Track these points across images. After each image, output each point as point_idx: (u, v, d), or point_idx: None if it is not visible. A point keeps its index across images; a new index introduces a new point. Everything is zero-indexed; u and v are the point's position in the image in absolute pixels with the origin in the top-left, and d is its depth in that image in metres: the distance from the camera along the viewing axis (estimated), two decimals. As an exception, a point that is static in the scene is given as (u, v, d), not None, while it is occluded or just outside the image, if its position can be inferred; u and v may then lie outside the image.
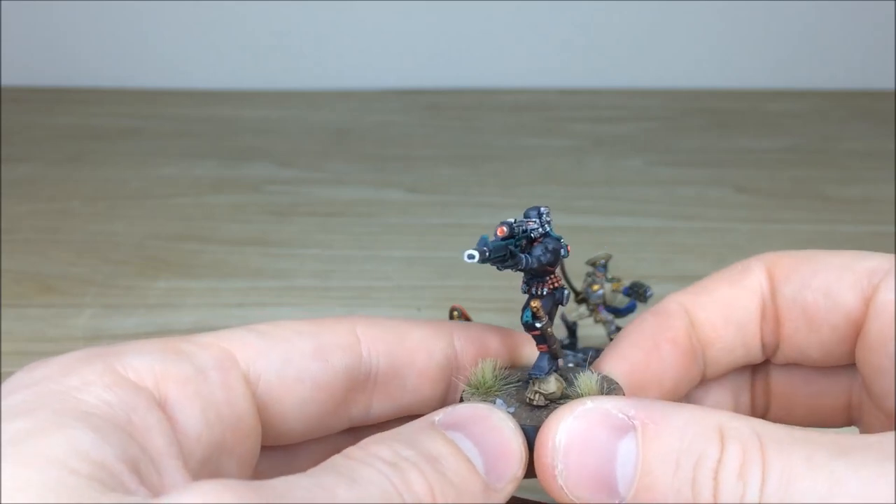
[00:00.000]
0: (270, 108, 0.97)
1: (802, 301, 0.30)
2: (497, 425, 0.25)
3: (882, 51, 1.02)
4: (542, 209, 0.27)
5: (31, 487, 0.19)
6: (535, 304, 0.27)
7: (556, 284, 0.28)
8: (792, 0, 1.00)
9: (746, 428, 0.23)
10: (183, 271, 0.62)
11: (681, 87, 1.03)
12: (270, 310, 0.57)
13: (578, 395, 0.27)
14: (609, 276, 0.49)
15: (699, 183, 0.78)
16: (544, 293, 0.27)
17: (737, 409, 0.33)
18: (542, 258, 0.26)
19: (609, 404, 0.24)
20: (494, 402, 0.27)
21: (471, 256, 0.24)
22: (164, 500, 0.19)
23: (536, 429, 0.25)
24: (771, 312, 0.31)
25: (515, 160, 0.84)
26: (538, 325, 0.27)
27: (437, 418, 0.25)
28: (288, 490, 0.20)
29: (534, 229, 0.27)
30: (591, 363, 0.30)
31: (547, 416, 0.25)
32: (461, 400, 0.28)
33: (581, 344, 0.52)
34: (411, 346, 0.29)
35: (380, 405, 0.29)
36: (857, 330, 0.30)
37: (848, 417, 0.33)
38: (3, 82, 1.01)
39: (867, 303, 0.29)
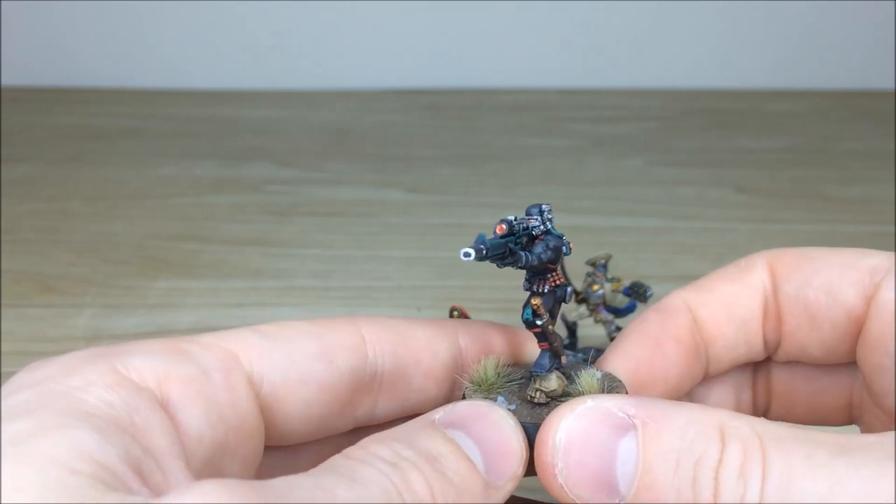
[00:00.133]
0: (270, 108, 0.97)
1: (804, 298, 0.30)
2: (497, 423, 0.25)
3: (882, 51, 1.02)
4: (544, 206, 0.27)
5: (31, 487, 0.19)
6: (535, 301, 0.27)
7: (557, 282, 0.28)
8: (792, 0, 1.00)
9: (747, 427, 0.23)
10: (183, 271, 0.62)
11: (681, 87, 1.03)
12: (270, 310, 0.57)
13: (580, 393, 0.27)
14: (609, 276, 0.49)
15: (699, 183, 0.78)
16: (545, 290, 0.27)
17: (738, 407, 0.33)
18: (543, 256, 0.26)
19: (610, 403, 0.24)
20: (496, 400, 0.27)
21: (467, 254, 0.24)
22: (165, 499, 0.19)
23: (537, 426, 0.25)
24: (773, 310, 0.31)
25: (515, 160, 0.84)
26: (539, 322, 0.27)
27: (436, 416, 0.25)
28: (289, 490, 0.20)
29: (535, 227, 0.27)
30: (592, 362, 0.30)
31: (548, 413, 0.25)
32: (463, 397, 0.28)
33: (581, 344, 0.52)
34: (416, 346, 0.29)
35: (385, 405, 0.29)
36: (858, 328, 0.30)
37: (849, 416, 0.33)
38: (3, 82, 1.01)
39: (868, 301, 0.29)
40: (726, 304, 0.31)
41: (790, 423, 0.23)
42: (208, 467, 0.24)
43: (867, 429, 0.32)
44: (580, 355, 0.50)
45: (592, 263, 0.49)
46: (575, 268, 0.47)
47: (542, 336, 0.28)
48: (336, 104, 0.99)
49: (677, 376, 0.30)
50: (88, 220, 0.70)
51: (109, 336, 0.54)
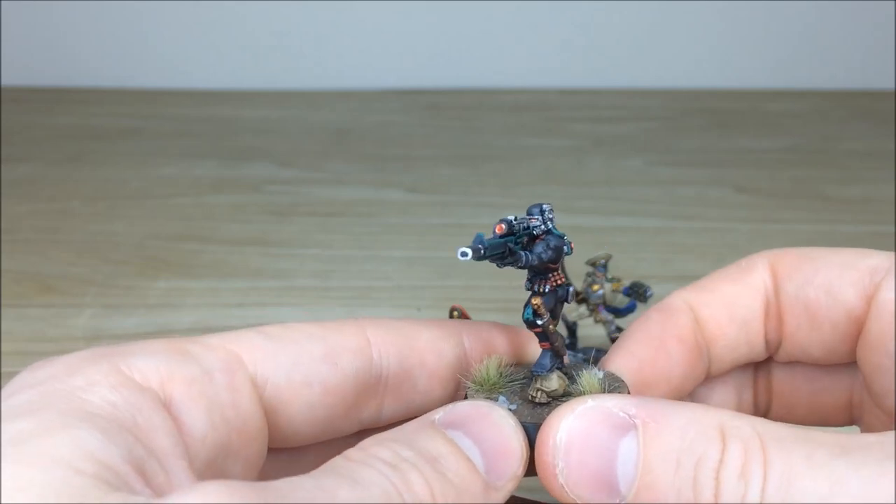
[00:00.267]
0: (270, 108, 0.97)
1: (804, 298, 0.30)
2: (497, 423, 0.25)
3: (882, 51, 1.02)
4: (545, 206, 0.27)
5: (34, 487, 0.19)
6: (535, 301, 0.27)
7: (558, 282, 0.27)
8: (792, 0, 1.00)
9: (748, 427, 0.23)
10: (183, 271, 0.62)
11: (681, 87, 1.03)
12: (270, 310, 0.57)
13: (581, 393, 0.27)
14: (609, 276, 0.49)
15: (699, 183, 0.78)
16: (546, 290, 0.27)
17: (739, 407, 0.33)
18: (544, 255, 0.26)
19: (610, 402, 0.24)
20: (497, 400, 0.27)
21: (464, 254, 0.24)
22: (167, 500, 0.19)
23: (537, 426, 0.25)
24: (774, 309, 0.31)
25: (515, 160, 0.84)
26: (539, 322, 0.27)
27: (436, 417, 0.25)
28: (290, 491, 0.20)
29: (536, 226, 0.27)
30: (594, 361, 0.30)
31: (548, 413, 0.25)
32: (465, 397, 0.28)
33: (581, 344, 0.52)
34: (421, 348, 0.29)
35: (390, 407, 0.29)
36: (858, 328, 0.30)
37: (849, 416, 0.33)
38: (3, 82, 1.01)
39: (868, 301, 0.29)
40: (728, 304, 0.31)
41: (791, 424, 0.23)
42: (211, 468, 0.24)
43: (867, 429, 0.32)
44: (580, 355, 0.50)
45: (592, 263, 0.49)
46: (575, 268, 0.47)
47: (543, 336, 0.28)
48: (336, 104, 0.99)
49: (680, 376, 0.30)
50: (88, 220, 0.70)
51: (109, 336, 0.54)
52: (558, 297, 0.28)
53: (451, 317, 0.44)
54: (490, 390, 0.28)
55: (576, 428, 0.24)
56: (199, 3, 1.00)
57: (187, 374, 0.24)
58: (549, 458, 0.24)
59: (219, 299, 0.59)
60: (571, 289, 0.28)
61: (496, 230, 0.26)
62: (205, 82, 1.02)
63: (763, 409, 0.34)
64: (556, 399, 0.27)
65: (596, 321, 0.49)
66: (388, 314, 0.56)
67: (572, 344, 0.51)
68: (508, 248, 0.26)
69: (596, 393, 0.27)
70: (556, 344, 0.28)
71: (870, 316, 0.29)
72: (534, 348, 0.30)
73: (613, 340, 0.49)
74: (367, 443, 0.23)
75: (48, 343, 0.54)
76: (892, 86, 1.02)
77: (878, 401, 0.30)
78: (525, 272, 0.27)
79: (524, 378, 0.28)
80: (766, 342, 0.32)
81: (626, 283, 0.48)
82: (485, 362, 0.28)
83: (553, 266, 0.27)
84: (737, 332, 0.31)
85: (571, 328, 0.51)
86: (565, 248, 0.27)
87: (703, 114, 0.97)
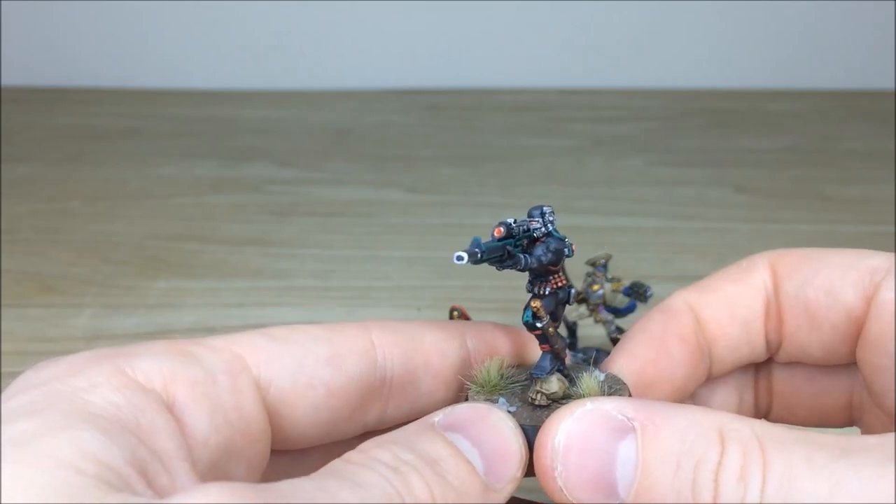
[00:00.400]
0: (270, 108, 0.97)
1: (804, 298, 0.30)
2: (496, 425, 0.25)
3: (882, 51, 1.02)
4: (546, 208, 0.27)
5: (35, 487, 0.19)
6: (535, 303, 0.27)
7: (559, 284, 0.27)
8: (792, 0, 1.00)
9: (747, 429, 0.23)
10: (183, 271, 0.62)
11: (681, 87, 1.03)
12: (270, 310, 0.57)
13: (581, 396, 0.27)
14: (609, 276, 0.49)
15: (699, 183, 0.78)
16: (546, 293, 0.27)
17: (741, 408, 0.33)
18: (543, 258, 0.26)
19: (609, 405, 0.24)
20: (497, 401, 0.27)
21: (459, 258, 0.24)
22: (168, 500, 0.19)
23: (536, 428, 0.25)
24: (775, 310, 0.31)
25: (515, 160, 0.84)
26: (539, 324, 0.27)
27: (436, 419, 0.25)
28: (291, 493, 0.20)
29: (536, 229, 0.27)
30: (595, 362, 0.30)
31: (547, 416, 0.25)
32: (466, 398, 0.28)
33: (581, 344, 0.52)
34: (426, 350, 0.29)
35: (395, 409, 0.29)
36: (858, 328, 0.30)
37: (849, 417, 0.33)
38: (3, 82, 1.01)
39: (868, 301, 0.29)
40: (729, 304, 0.31)
41: (790, 425, 0.23)
42: (214, 470, 0.24)
43: (867, 429, 0.32)
44: (580, 355, 0.50)
45: (592, 263, 0.49)
46: (575, 268, 0.47)
47: (543, 338, 0.28)
48: (336, 104, 0.99)
49: (683, 377, 0.30)
50: (88, 220, 0.70)
51: (109, 336, 0.54)
52: (559, 300, 0.28)
53: (451, 317, 0.44)
54: (491, 392, 0.28)
55: (574, 431, 0.24)
56: (199, 3, 1.00)
57: (191, 375, 0.24)
58: (547, 462, 0.24)
59: (219, 299, 0.59)
60: (573, 291, 0.28)
61: (494, 233, 0.26)
62: (205, 82, 1.02)
63: (764, 411, 0.34)
64: (556, 401, 0.27)
65: (596, 321, 0.49)
66: (388, 314, 0.56)
67: (572, 344, 0.51)
68: (507, 251, 0.26)
69: (595, 395, 0.27)
70: (557, 346, 0.28)
71: (869, 316, 0.29)
72: (536, 350, 0.30)
73: (613, 340, 0.49)
74: (367, 445, 0.23)
75: (48, 343, 0.54)
76: (892, 86, 1.02)
77: (878, 401, 0.30)
78: (527, 274, 0.27)
79: (526, 380, 0.28)
80: (767, 342, 0.32)
81: (626, 283, 0.48)
82: (486, 364, 0.28)
83: (553, 268, 0.27)
84: (738, 333, 0.31)
85: (571, 328, 0.51)
86: (566, 250, 0.27)
87: (703, 114, 0.97)
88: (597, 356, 0.48)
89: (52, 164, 0.82)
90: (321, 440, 0.28)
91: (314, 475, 0.21)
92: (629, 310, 0.48)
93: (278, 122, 0.94)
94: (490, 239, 0.25)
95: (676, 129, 0.93)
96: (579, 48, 1.03)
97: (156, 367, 0.24)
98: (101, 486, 0.19)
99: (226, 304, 0.58)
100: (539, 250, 0.26)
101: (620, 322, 0.49)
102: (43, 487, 0.19)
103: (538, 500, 0.30)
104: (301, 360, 0.27)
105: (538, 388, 0.27)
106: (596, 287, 0.48)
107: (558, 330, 0.28)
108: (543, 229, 0.27)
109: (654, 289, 0.48)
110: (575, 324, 0.51)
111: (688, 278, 0.33)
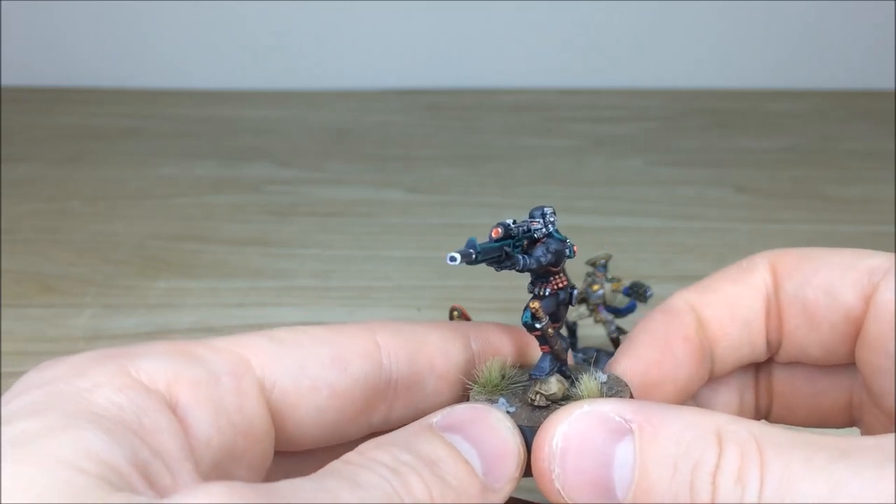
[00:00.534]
0: (270, 108, 0.97)
1: (803, 298, 0.30)
2: (494, 426, 0.25)
3: (882, 51, 1.02)
4: (546, 209, 0.27)
5: (37, 487, 0.19)
6: (534, 304, 0.27)
7: (560, 285, 0.27)
8: (792, 0, 1.00)
9: (744, 431, 0.22)
10: (183, 271, 0.62)
11: (681, 87, 1.03)
12: (270, 310, 0.57)
13: (580, 397, 0.27)
14: (609, 276, 0.49)
15: (699, 183, 0.78)
16: (546, 294, 0.27)
17: (741, 408, 0.33)
18: (543, 259, 0.26)
19: (606, 407, 0.24)
20: (497, 402, 0.27)
21: (452, 259, 0.24)
22: (168, 500, 0.19)
23: (533, 429, 0.25)
24: (775, 310, 0.31)
25: (515, 160, 0.84)
26: (538, 325, 0.27)
27: (434, 420, 0.25)
28: (291, 493, 0.20)
29: (537, 229, 0.26)
30: (596, 362, 0.30)
31: (546, 417, 0.25)
32: (467, 398, 0.28)
33: (581, 344, 0.52)
34: (430, 351, 0.29)
35: (399, 410, 0.29)
36: (857, 328, 0.30)
37: (849, 417, 0.33)
38: (3, 82, 1.01)
39: (867, 301, 0.29)
40: (729, 304, 0.31)
41: (789, 427, 0.23)
42: (216, 471, 0.24)
43: (867, 430, 0.32)
44: (580, 355, 0.50)
45: (592, 263, 0.49)
46: (575, 268, 0.47)
47: (543, 339, 0.28)
48: (336, 104, 0.99)
49: (686, 377, 0.30)
50: (88, 220, 0.70)
51: (109, 336, 0.54)
52: (560, 301, 0.28)
53: (451, 317, 0.45)
54: (492, 392, 0.28)
55: (571, 433, 0.24)
56: (199, 3, 1.00)
57: (194, 376, 0.24)
58: (544, 464, 0.24)
59: (219, 299, 0.59)
60: (575, 292, 0.28)
61: (492, 234, 0.25)
62: (205, 82, 1.02)
63: (764, 411, 0.34)
64: (556, 402, 0.27)
65: (596, 321, 0.49)
66: (388, 314, 0.56)
67: (572, 344, 0.51)
68: (505, 251, 0.25)
69: (595, 397, 0.27)
70: (556, 347, 0.28)
71: (868, 316, 0.29)
72: (539, 350, 0.30)
73: (613, 340, 0.49)
74: (366, 447, 0.23)
75: (48, 343, 0.54)
76: (892, 86, 1.02)
77: (878, 401, 0.30)
78: (528, 274, 0.27)
79: (527, 380, 0.28)
80: (768, 342, 0.32)
81: (626, 283, 0.48)
82: (488, 364, 0.28)
83: (554, 269, 0.27)
84: (739, 332, 0.31)
85: (571, 328, 0.51)
86: (567, 251, 0.27)
87: (703, 114, 0.97)
88: (597, 356, 0.48)
89: (52, 164, 0.82)
90: (326, 442, 0.28)
91: (313, 475, 0.22)
92: (629, 310, 0.48)
93: (278, 122, 0.94)
94: (488, 240, 0.25)
95: (676, 129, 0.93)
96: (579, 48, 1.03)
97: (159, 367, 0.24)
98: (103, 485, 0.19)
99: (226, 304, 0.58)
100: (538, 251, 0.26)
101: (620, 322, 0.49)
102: (44, 487, 0.19)
103: (537, 501, 0.30)
104: (305, 362, 0.27)
105: (537, 388, 0.27)
106: (596, 287, 0.48)
107: (560, 331, 0.28)
108: (544, 230, 0.27)
109: (654, 289, 0.48)
110: (575, 324, 0.51)
111: (688, 278, 0.33)
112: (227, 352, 0.26)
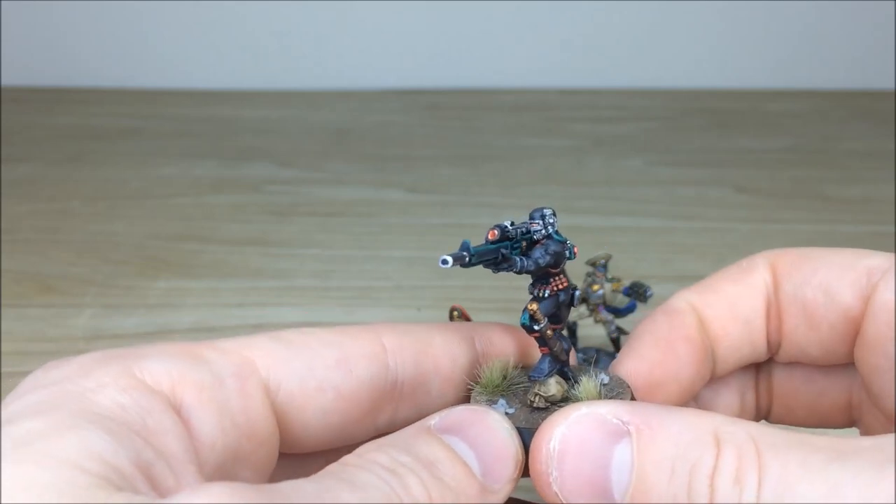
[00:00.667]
0: (270, 108, 0.97)
1: (802, 298, 0.30)
2: (492, 427, 0.25)
3: (882, 51, 1.02)
4: (546, 210, 0.27)
5: (35, 486, 0.19)
6: (532, 306, 0.27)
7: (560, 286, 0.27)
8: (792, 0, 1.00)
9: (742, 432, 0.22)
10: (183, 271, 0.62)
11: (681, 87, 1.03)
12: (270, 310, 0.57)
13: (579, 399, 0.27)
14: (609, 276, 0.49)
15: (699, 183, 0.78)
16: (545, 295, 0.27)
17: (742, 408, 0.33)
18: (541, 260, 0.26)
19: (604, 409, 0.24)
20: (497, 403, 0.27)
21: (444, 262, 0.24)
22: (170, 500, 0.19)
23: (531, 431, 0.25)
24: (775, 309, 0.31)
25: (515, 160, 0.84)
26: (536, 327, 0.27)
27: (432, 422, 0.25)
28: (292, 493, 0.20)
29: (537, 231, 0.26)
30: (596, 362, 0.30)
31: (544, 418, 0.25)
32: (468, 399, 0.28)
33: (581, 344, 0.52)
34: (435, 353, 0.29)
35: (405, 412, 0.29)
36: (856, 328, 0.30)
37: (849, 417, 0.33)
38: (3, 82, 1.01)
39: (866, 301, 0.29)
40: (730, 304, 0.31)
41: (787, 427, 0.23)
42: (220, 472, 0.24)
43: (867, 430, 0.32)
44: (580, 356, 0.50)
45: (592, 263, 0.49)
46: (575, 268, 0.47)
47: (542, 341, 0.28)
48: (336, 104, 0.99)
49: (689, 377, 0.30)
50: (88, 220, 0.70)
51: (109, 336, 0.54)
52: (561, 302, 0.28)
53: (451, 317, 0.44)
54: (493, 393, 0.28)
55: (569, 435, 0.24)
56: (199, 3, 1.00)
57: (199, 378, 0.24)
58: (542, 466, 0.24)
59: (219, 299, 0.59)
60: (577, 293, 0.28)
61: (488, 236, 0.25)
62: (205, 82, 1.02)
63: (764, 411, 0.34)
64: (555, 404, 0.27)
65: (596, 321, 0.49)
66: (388, 314, 0.56)
67: (573, 344, 0.51)
68: (501, 254, 0.25)
69: (593, 399, 0.27)
70: (556, 349, 0.28)
71: (867, 317, 0.29)
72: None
73: (613, 340, 0.49)
74: (365, 448, 0.23)
75: (48, 343, 0.54)
76: (892, 86, 1.02)
77: (876, 402, 0.30)
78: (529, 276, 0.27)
79: (529, 382, 0.28)
80: (768, 342, 0.32)
81: (626, 283, 0.48)
82: (490, 364, 0.28)
83: (554, 271, 0.27)
84: (740, 332, 0.31)
85: (571, 328, 0.51)
86: (567, 252, 0.27)
87: (703, 114, 0.97)
88: (597, 356, 0.48)
89: (52, 164, 0.82)
90: (332, 444, 0.28)
91: (314, 476, 0.22)
92: (629, 310, 0.48)
93: (278, 122, 0.94)
94: (484, 242, 0.25)
95: (676, 129, 0.93)
96: (579, 48, 1.03)
97: (164, 368, 0.24)
98: (105, 485, 0.19)
99: (226, 304, 0.58)
100: (537, 253, 0.26)
101: (620, 322, 0.49)
102: (45, 487, 0.19)
103: (536, 501, 0.30)
104: (311, 364, 0.27)
105: (537, 390, 0.27)
106: (596, 287, 0.48)
107: (562, 332, 0.28)
108: (543, 231, 0.27)
109: (654, 289, 0.48)
110: (575, 324, 0.51)
111: (688, 278, 0.33)
112: (232, 353, 0.26)
